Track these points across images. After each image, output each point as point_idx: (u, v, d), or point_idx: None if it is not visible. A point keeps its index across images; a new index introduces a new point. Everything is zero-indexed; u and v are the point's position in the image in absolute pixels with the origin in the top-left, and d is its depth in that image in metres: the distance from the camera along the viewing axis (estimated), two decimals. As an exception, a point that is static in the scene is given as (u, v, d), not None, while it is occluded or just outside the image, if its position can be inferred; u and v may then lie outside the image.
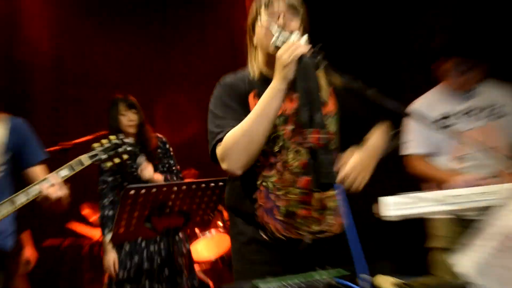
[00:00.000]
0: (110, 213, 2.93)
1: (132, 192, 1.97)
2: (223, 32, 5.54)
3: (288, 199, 1.53)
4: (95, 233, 4.02)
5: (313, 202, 1.50)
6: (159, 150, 3.08)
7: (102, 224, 2.94)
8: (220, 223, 3.76)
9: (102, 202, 2.96)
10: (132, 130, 3.03)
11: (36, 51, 5.01)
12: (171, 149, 3.13)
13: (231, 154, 1.44)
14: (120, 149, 2.20)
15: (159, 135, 3.16)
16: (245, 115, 1.50)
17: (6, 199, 1.98)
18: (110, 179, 3.00)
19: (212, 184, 2.17)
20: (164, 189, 2.05)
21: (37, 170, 2.23)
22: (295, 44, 1.40)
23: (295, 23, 1.57)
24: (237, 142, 1.44)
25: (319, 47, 1.41)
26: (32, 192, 2.00)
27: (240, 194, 1.60)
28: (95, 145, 2.19)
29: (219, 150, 1.49)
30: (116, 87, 5.36)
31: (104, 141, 2.20)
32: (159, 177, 2.98)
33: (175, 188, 2.08)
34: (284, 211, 1.53)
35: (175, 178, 3.05)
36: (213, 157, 1.54)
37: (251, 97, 1.57)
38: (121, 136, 2.22)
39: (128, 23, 5.38)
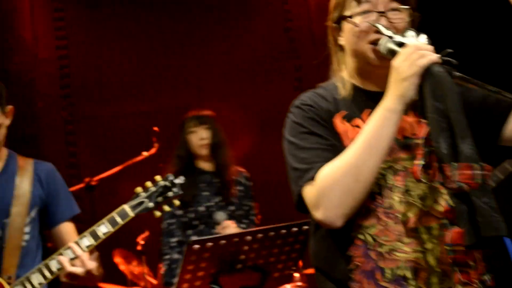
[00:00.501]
0: (179, 256, 2.97)
1: (197, 247, 1.99)
2: (273, 17, 5.58)
3: (394, 259, 1.45)
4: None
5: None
6: (238, 188, 3.11)
7: (169, 270, 3.00)
8: (295, 275, 3.72)
9: (169, 241, 3.03)
10: (204, 151, 3.07)
11: (38, 63, 5.22)
12: (251, 187, 3.19)
13: (330, 199, 1.38)
14: (170, 193, 2.23)
15: (240, 169, 3.20)
16: (338, 144, 1.45)
17: (37, 267, 2.04)
18: (179, 212, 3.03)
19: (295, 229, 2.17)
20: (235, 239, 2.06)
21: (64, 230, 2.27)
22: (420, 48, 1.35)
23: (403, 17, 1.50)
24: (337, 182, 1.38)
25: (446, 53, 1.35)
26: (52, 267, 2.06)
27: (331, 249, 1.52)
28: (138, 189, 2.23)
29: (311, 193, 1.42)
30: (136, 100, 5.56)
31: (148, 184, 2.24)
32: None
33: (249, 238, 2.09)
34: (390, 275, 1.47)
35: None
36: (300, 203, 1.48)
37: (338, 119, 1.51)
38: (170, 176, 2.25)
39: (147, 18, 5.53)
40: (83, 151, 5.35)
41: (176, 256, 3.01)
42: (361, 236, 1.46)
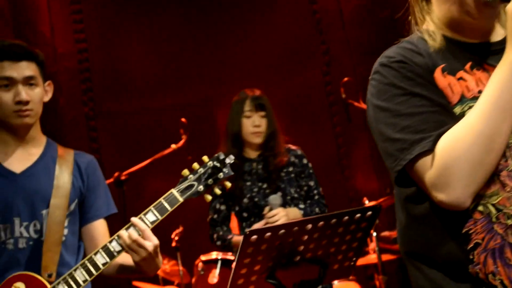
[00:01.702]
0: (225, 242, 2.89)
1: (254, 238, 1.79)
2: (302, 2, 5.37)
3: None
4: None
5: None
6: (290, 169, 2.89)
7: (224, 247, 2.92)
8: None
9: (215, 234, 2.91)
10: (257, 139, 2.87)
11: (58, 58, 5.07)
12: (310, 165, 2.94)
13: (458, 177, 1.17)
14: (220, 174, 2.03)
15: (293, 147, 2.98)
16: (446, 103, 1.25)
17: (81, 262, 1.86)
18: (222, 207, 2.88)
19: (358, 215, 1.96)
20: (295, 228, 1.86)
21: (98, 229, 2.11)
22: None
23: None
24: (466, 156, 1.18)
25: None
26: (112, 249, 1.87)
27: (437, 229, 1.30)
28: (186, 172, 2.04)
29: (429, 171, 1.22)
30: (158, 94, 5.39)
31: (196, 165, 2.04)
32: (294, 216, 2.80)
33: (309, 226, 1.89)
34: None
35: (317, 210, 2.85)
36: (400, 178, 1.28)
37: (438, 73, 1.31)
38: (220, 156, 2.05)
39: (168, 10, 5.35)
40: (105, 147, 5.21)
41: (220, 243, 2.89)
42: (481, 208, 1.25)
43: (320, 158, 5.36)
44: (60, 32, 5.08)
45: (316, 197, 2.90)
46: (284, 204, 2.79)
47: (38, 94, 1.98)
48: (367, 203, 3.76)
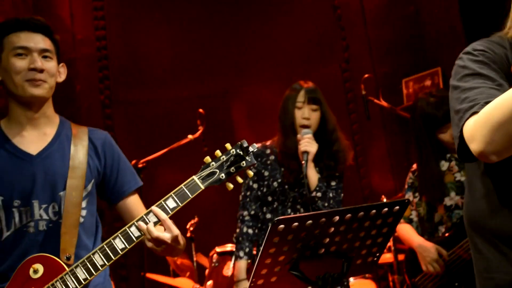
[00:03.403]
0: (250, 231, 2.84)
1: (282, 227, 1.76)
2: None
3: None
4: (181, 283, 3.92)
5: None
6: (337, 174, 2.90)
7: (237, 243, 2.86)
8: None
9: (241, 214, 2.88)
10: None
11: (78, 43, 5.06)
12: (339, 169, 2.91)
13: (482, 134, 1.34)
14: (243, 163, 1.99)
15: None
16: (504, 85, 1.41)
17: (98, 248, 1.84)
18: (255, 185, 2.87)
19: (385, 209, 1.93)
20: (323, 219, 1.83)
21: (132, 202, 2.09)
22: None
23: None
24: (492, 118, 1.33)
25: None
26: (132, 235, 1.85)
27: (496, 202, 1.49)
28: (208, 159, 2.00)
29: (469, 126, 1.40)
30: (175, 84, 5.37)
31: (218, 153, 2.01)
32: (313, 175, 2.75)
33: (337, 218, 1.85)
34: None
35: (331, 195, 2.81)
36: (462, 148, 1.44)
37: None
38: (243, 143, 2.01)
39: (188, 0, 5.32)
40: (121, 135, 5.19)
41: (245, 229, 2.84)
42: None
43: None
44: (79, 18, 5.07)
45: (334, 194, 2.84)
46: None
47: (53, 68, 1.97)
48: (385, 201, 3.72)
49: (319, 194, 2.73)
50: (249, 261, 2.84)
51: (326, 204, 2.75)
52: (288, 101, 2.88)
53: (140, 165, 3.55)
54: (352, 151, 2.91)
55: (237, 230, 2.87)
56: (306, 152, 2.69)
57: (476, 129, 1.37)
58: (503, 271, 1.47)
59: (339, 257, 1.99)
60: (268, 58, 5.39)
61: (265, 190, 2.85)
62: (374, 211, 1.91)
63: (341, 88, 5.38)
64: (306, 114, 2.82)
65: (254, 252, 2.89)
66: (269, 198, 2.82)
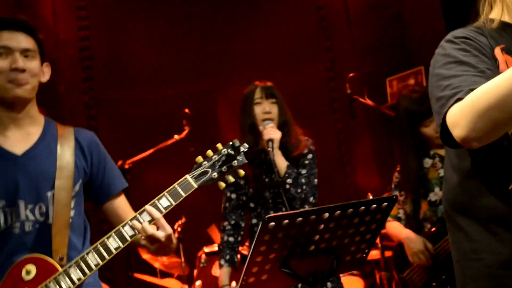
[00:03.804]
0: (231, 239, 2.91)
1: (272, 225, 1.78)
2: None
3: None
4: (169, 283, 3.91)
5: None
6: (306, 162, 2.90)
7: (219, 252, 2.96)
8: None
9: (223, 224, 2.97)
10: None
11: (61, 43, 5.03)
12: (310, 156, 2.92)
13: (471, 116, 1.33)
14: (234, 162, 2.01)
15: (304, 138, 2.98)
16: (493, 71, 1.40)
17: (92, 247, 1.84)
18: (234, 195, 2.93)
19: (374, 206, 1.96)
20: (312, 217, 1.85)
21: (119, 203, 2.09)
22: None
23: None
24: (477, 105, 1.33)
25: None
26: (125, 233, 1.85)
27: (483, 185, 1.48)
28: (199, 159, 2.02)
29: (453, 113, 1.39)
30: (160, 84, 5.37)
31: (210, 152, 2.03)
32: (281, 161, 2.77)
33: (326, 215, 1.88)
34: None
35: (303, 181, 2.82)
36: (445, 135, 1.43)
37: (497, 51, 1.48)
38: (235, 143, 2.03)
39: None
40: (105, 136, 5.16)
41: (226, 238, 2.92)
42: None
43: (321, 155, 5.35)
44: (62, 18, 5.04)
45: (306, 181, 2.85)
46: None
47: (35, 67, 1.95)
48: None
49: (289, 181, 2.75)
50: (231, 268, 2.93)
51: (299, 191, 2.77)
52: (246, 100, 2.92)
53: (126, 166, 3.54)
54: (305, 143, 2.93)
55: (220, 240, 2.97)
56: (271, 140, 2.73)
57: (460, 115, 1.36)
58: (494, 251, 1.46)
59: (329, 254, 2.01)
60: (253, 57, 5.41)
61: (244, 198, 2.92)
62: (363, 207, 1.94)
63: (325, 88, 5.43)
64: (267, 108, 2.87)
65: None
66: (252, 205, 2.88)
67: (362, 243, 2.08)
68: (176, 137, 3.92)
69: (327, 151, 5.26)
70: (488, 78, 1.36)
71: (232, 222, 2.93)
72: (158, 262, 4.11)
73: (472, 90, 1.36)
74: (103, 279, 4.85)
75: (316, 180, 2.90)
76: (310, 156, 2.93)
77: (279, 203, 2.80)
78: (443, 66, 1.47)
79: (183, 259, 3.70)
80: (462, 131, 1.35)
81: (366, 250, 2.14)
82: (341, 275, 3.39)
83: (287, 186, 2.74)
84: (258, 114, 2.87)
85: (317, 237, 1.93)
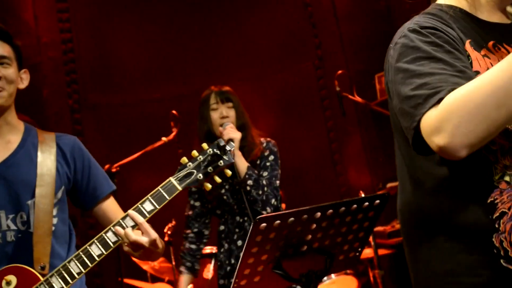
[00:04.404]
0: (193, 246, 2.92)
1: (263, 226, 1.78)
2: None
3: None
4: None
5: None
6: (267, 164, 2.88)
7: (180, 259, 2.94)
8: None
9: (185, 232, 2.97)
10: None
11: (43, 46, 4.98)
12: (271, 157, 2.89)
13: (458, 123, 1.15)
14: (220, 162, 2.00)
15: (267, 140, 2.96)
16: (470, 72, 1.26)
17: (74, 255, 1.82)
18: (197, 203, 2.92)
19: (366, 204, 1.96)
20: (304, 216, 1.85)
21: (109, 205, 2.08)
22: None
23: None
24: (472, 104, 1.15)
25: None
26: (108, 240, 1.84)
27: (459, 197, 1.31)
28: (184, 160, 2.00)
29: (432, 116, 1.19)
30: (147, 86, 5.34)
31: (195, 153, 2.01)
32: (241, 162, 2.73)
33: (318, 214, 1.88)
34: None
35: (264, 182, 2.79)
36: (417, 140, 1.26)
37: (468, 46, 1.34)
38: (220, 142, 2.02)
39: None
40: (91, 141, 5.13)
41: (187, 245, 2.93)
42: (507, 178, 1.28)
43: (312, 153, 5.38)
44: (44, 21, 5.00)
45: (267, 182, 2.81)
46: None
47: (12, 74, 1.93)
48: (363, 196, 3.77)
49: (250, 182, 2.71)
50: (191, 275, 2.93)
51: (260, 192, 2.74)
52: (202, 106, 2.93)
53: (114, 170, 3.52)
54: (259, 147, 2.89)
55: (181, 247, 2.96)
56: (231, 140, 2.68)
57: (444, 118, 1.17)
58: (474, 273, 1.30)
59: (322, 253, 2.02)
60: (241, 57, 5.40)
61: (210, 206, 2.92)
62: (355, 205, 1.94)
63: (315, 85, 5.43)
64: (224, 113, 2.87)
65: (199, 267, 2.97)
66: (218, 211, 2.88)
67: (355, 241, 2.09)
68: (163, 139, 3.89)
69: (318, 150, 5.28)
70: (469, 79, 1.22)
71: (195, 230, 2.93)
72: (148, 266, 4.09)
73: (455, 88, 1.20)
74: (93, 285, 4.84)
75: (278, 182, 2.88)
76: (272, 157, 2.90)
77: (244, 208, 2.77)
78: (413, 62, 1.28)
79: (174, 263, 3.68)
80: (447, 138, 1.16)
81: (360, 249, 2.15)
82: (334, 274, 3.40)
83: (248, 188, 2.71)
84: (215, 119, 2.86)
85: (310, 236, 1.93)
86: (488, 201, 1.29)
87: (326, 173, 5.30)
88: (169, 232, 3.74)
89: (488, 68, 1.29)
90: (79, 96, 5.14)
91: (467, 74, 1.25)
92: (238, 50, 5.35)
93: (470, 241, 1.30)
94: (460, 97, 1.17)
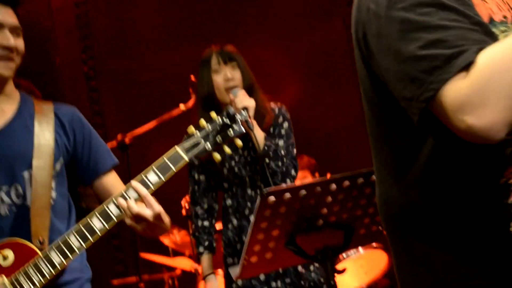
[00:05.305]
0: (206, 223, 2.81)
1: (272, 200, 1.75)
2: None
3: None
4: (181, 263, 3.94)
5: None
6: (282, 132, 2.79)
7: (195, 240, 2.85)
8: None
9: (195, 209, 2.85)
10: (229, 97, 2.70)
11: (55, 11, 5.00)
12: (286, 124, 2.80)
13: (501, 94, 0.97)
14: (230, 132, 1.96)
15: (277, 105, 2.85)
16: (484, 24, 1.07)
17: (74, 228, 1.82)
18: (202, 177, 2.82)
19: (387, 175, 1.91)
20: (318, 189, 1.82)
21: (110, 180, 2.07)
22: None
23: None
24: None
25: None
26: (111, 213, 1.83)
27: (464, 181, 1.12)
28: (191, 129, 1.97)
29: (467, 85, 0.99)
30: (165, 49, 5.31)
31: (203, 122, 1.98)
32: (259, 133, 2.63)
33: (334, 187, 1.84)
34: None
35: (283, 153, 2.70)
36: (424, 114, 1.06)
37: None
38: (230, 109, 1.97)
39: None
40: (108, 109, 5.18)
41: (200, 223, 2.81)
42: None
43: (343, 120, 5.29)
44: (55, -17, 5.01)
45: (285, 152, 2.72)
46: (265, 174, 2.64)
47: (22, 45, 1.92)
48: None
49: (270, 154, 2.63)
50: (211, 254, 2.82)
51: (280, 164, 2.66)
52: (203, 70, 2.78)
53: (127, 140, 3.52)
54: (270, 113, 2.75)
55: (193, 226, 2.85)
56: (245, 108, 2.53)
57: (487, 89, 0.98)
58: (489, 276, 1.12)
59: (340, 228, 1.99)
60: (266, 16, 5.31)
61: (216, 179, 2.79)
62: (374, 176, 1.90)
63: (345, 46, 5.31)
64: (228, 75, 2.71)
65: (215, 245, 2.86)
66: (225, 185, 2.76)
67: (377, 214, 2.04)
68: (181, 106, 3.86)
69: (349, 115, 5.19)
70: (489, 33, 1.06)
71: (205, 206, 2.81)
72: (169, 240, 4.13)
73: (482, 49, 1.00)
74: (115, 260, 4.94)
75: (295, 151, 2.79)
76: (286, 124, 2.80)
77: (256, 180, 2.69)
78: (413, 9, 1.05)
79: (192, 237, 3.70)
80: (490, 114, 0.97)
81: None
82: (362, 248, 3.37)
83: (267, 160, 2.63)
84: (219, 83, 2.72)
85: (325, 210, 1.90)
86: (502, 181, 1.10)
87: (360, 139, 5.21)
88: (186, 205, 3.75)
89: (490, 16, 1.14)
90: (94, 62, 5.15)
91: (485, 27, 1.06)
92: (262, 8, 5.26)
93: (479, 235, 1.12)
94: (502, 60, 0.98)
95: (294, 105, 4.64)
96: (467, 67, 0.99)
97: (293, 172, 2.74)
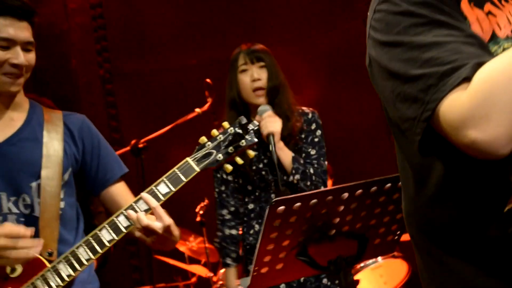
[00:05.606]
0: (234, 232, 2.74)
1: (281, 209, 1.73)
2: None
3: None
4: (195, 270, 3.95)
5: None
6: (315, 140, 2.73)
7: (221, 249, 2.77)
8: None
9: (221, 213, 2.77)
10: (259, 99, 2.67)
11: (70, 12, 5.05)
12: (319, 132, 2.74)
13: (505, 108, 0.97)
14: (242, 142, 1.96)
15: (306, 109, 2.78)
16: (478, 37, 1.08)
17: (84, 239, 1.83)
18: (230, 178, 2.76)
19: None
20: (329, 197, 1.79)
21: (118, 191, 2.07)
22: None
23: None
24: None
25: None
26: (120, 225, 1.84)
27: (469, 206, 1.12)
28: (203, 139, 1.97)
29: (467, 100, 0.99)
30: (181, 52, 5.33)
31: (215, 132, 1.98)
32: (285, 155, 2.60)
33: (346, 195, 1.81)
34: None
35: (311, 171, 2.66)
36: (426, 136, 1.07)
37: (465, 5, 1.14)
38: (242, 120, 1.97)
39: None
40: (124, 112, 5.21)
41: (227, 231, 2.74)
42: None
43: (364, 120, 5.25)
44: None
45: (315, 166, 2.67)
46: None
47: (33, 59, 1.93)
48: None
49: (297, 177, 2.60)
50: (237, 267, 2.75)
51: (308, 183, 2.61)
52: (230, 69, 2.74)
53: (140, 145, 3.54)
54: (297, 117, 2.70)
55: (219, 233, 2.77)
56: (271, 134, 2.52)
57: (487, 103, 0.98)
58: None
59: (353, 237, 1.96)
60: (283, 16, 5.29)
61: (241, 181, 2.74)
62: (389, 184, 1.87)
63: (364, 45, 5.27)
64: (255, 75, 2.67)
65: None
66: (249, 187, 2.71)
67: (392, 224, 2.02)
68: (197, 110, 3.87)
69: (370, 116, 5.14)
70: (483, 46, 1.06)
71: (232, 209, 2.74)
72: (185, 247, 4.14)
73: (480, 65, 1.01)
74: (129, 267, 4.96)
75: (326, 163, 2.74)
76: (319, 132, 2.75)
77: (281, 185, 2.61)
78: (407, 31, 1.08)
79: (206, 245, 3.70)
80: (492, 129, 0.97)
81: (398, 232, 2.08)
82: (381, 257, 3.33)
83: (295, 182, 2.59)
84: (245, 83, 2.68)
85: (338, 219, 1.88)
86: (505, 209, 1.10)
87: (380, 145, 5.17)
88: (201, 212, 3.75)
89: (493, 30, 1.13)
90: (110, 65, 5.19)
91: (479, 39, 1.07)
92: (280, 8, 5.24)
93: (485, 260, 1.12)
94: (498, 80, 0.98)
95: (312, 105, 4.63)
96: (462, 82, 1.00)
97: (321, 188, 2.69)
